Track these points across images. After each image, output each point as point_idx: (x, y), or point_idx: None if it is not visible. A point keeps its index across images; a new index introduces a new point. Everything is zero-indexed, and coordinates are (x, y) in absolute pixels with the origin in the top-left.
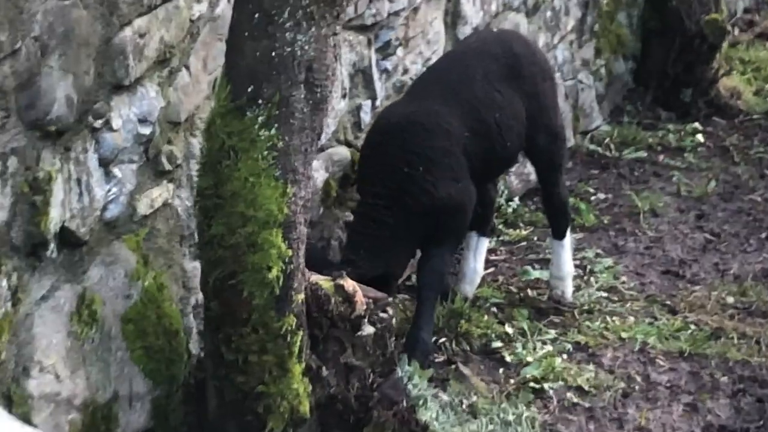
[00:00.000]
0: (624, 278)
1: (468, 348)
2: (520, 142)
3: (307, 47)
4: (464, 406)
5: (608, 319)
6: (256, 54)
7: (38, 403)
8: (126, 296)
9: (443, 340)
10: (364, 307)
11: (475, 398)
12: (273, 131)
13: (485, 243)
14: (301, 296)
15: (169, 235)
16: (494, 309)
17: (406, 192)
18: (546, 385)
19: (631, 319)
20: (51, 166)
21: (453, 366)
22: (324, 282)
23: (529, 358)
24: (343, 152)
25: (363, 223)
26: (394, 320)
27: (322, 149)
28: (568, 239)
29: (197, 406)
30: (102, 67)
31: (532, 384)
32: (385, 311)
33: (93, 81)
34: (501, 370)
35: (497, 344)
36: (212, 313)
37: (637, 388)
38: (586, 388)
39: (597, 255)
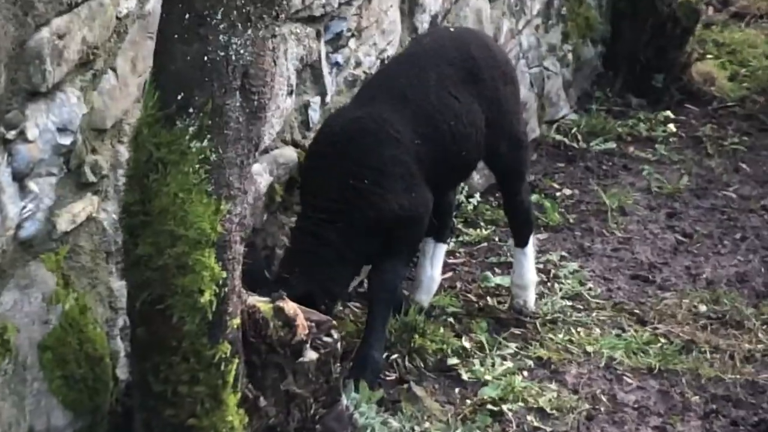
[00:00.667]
0: (590, 284)
1: (422, 365)
2: (479, 151)
3: (242, 51)
4: None
5: (573, 330)
6: (186, 58)
7: None
8: (44, 322)
9: (395, 356)
10: (306, 331)
11: (428, 424)
12: (205, 143)
13: (443, 249)
14: (237, 321)
15: (93, 252)
16: (451, 320)
17: (351, 206)
18: (505, 407)
19: (597, 330)
20: None
21: (405, 386)
22: (262, 305)
23: (488, 377)
24: (289, 154)
25: (302, 239)
26: (339, 344)
27: (266, 150)
28: (531, 247)
29: None
30: (15, 72)
31: (489, 406)
32: (329, 335)
33: (4, 88)
34: (457, 390)
35: (453, 361)
36: (139, 340)
37: (602, 409)
38: (548, 410)
39: (562, 258)
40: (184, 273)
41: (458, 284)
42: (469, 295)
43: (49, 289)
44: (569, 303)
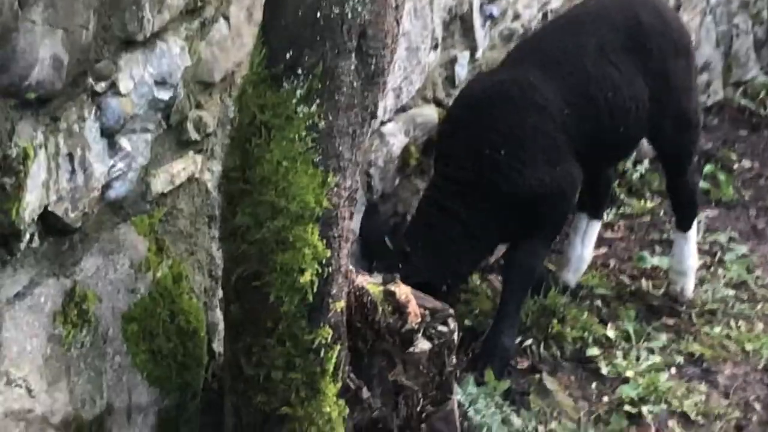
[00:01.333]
0: (759, 272)
1: (558, 353)
2: (641, 128)
3: (360, 8)
4: None
5: (732, 324)
6: (297, 13)
7: (3, 422)
8: (131, 290)
9: (530, 342)
10: (419, 319)
11: (554, 424)
12: (314, 108)
13: (596, 227)
14: (341, 304)
15: (193, 216)
16: (598, 303)
17: (484, 178)
18: (645, 409)
19: (761, 325)
20: (28, 140)
21: (537, 376)
22: (372, 287)
23: (629, 372)
24: (428, 113)
25: (428, 210)
26: (455, 335)
27: (403, 109)
28: (694, 231)
29: (218, 417)
30: (108, 19)
31: (627, 407)
32: (445, 323)
33: (94, 37)
34: (594, 385)
35: (593, 351)
36: (232, 318)
37: (755, 419)
38: (693, 415)
39: (730, 240)
40: (283, 249)
41: (612, 262)
42: (621, 276)
43: (140, 255)
44: (732, 292)
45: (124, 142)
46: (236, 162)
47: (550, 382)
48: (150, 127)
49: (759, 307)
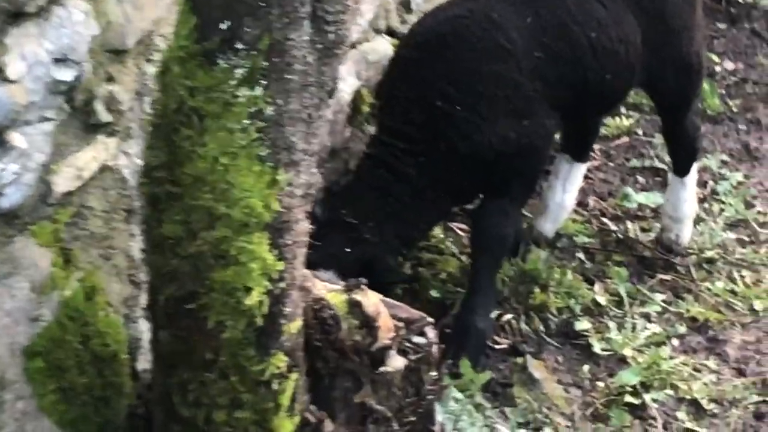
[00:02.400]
0: (758, 206)
1: (542, 328)
2: (631, 74)
3: None
4: None
5: (736, 275)
6: None
7: None
8: (32, 319)
9: (509, 317)
10: (391, 334)
11: (545, 422)
12: (258, 90)
13: (580, 171)
14: (298, 324)
15: (108, 214)
16: (581, 256)
17: (436, 135)
18: (648, 398)
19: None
20: None
21: (520, 360)
22: (334, 296)
23: (627, 350)
24: (382, 48)
25: (372, 171)
26: (434, 347)
27: (352, 45)
28: (693, 175)
29: None
30: None
31: (628, 397)
32: (422, 334)
33: None
34: (587, 368)
35: (583, 325)
36: (163, 347)
37: None
38: (705, 402)
39: (722, 164)
40: (224, 264)
41: (591, 201)
42: (604, 218)
43: (42, 273)
44: (732, 235)
45: (16, 138)
46: (161, 158)
47: (535, 368)
48: (49, 115)
49: (763, 251)
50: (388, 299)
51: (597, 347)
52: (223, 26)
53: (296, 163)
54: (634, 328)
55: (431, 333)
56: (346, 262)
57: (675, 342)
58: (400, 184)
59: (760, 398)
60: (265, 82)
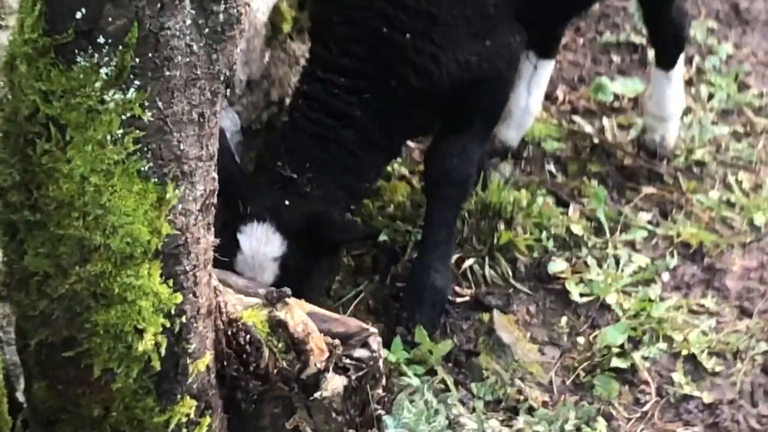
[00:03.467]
0: (753, 86)
1: (509, 272)
2: None
3: None
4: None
5: (731, 179)
6: None
7: None
8: None
9: (471, 262)
10: (325, 355)
11: (522, 421)
12: (132, 93)
13: (547, 70)
14: (207, 359)
15: None
16: (551, 167)
17: (384, 67)
18: (638, 356)
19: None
20: None
21: (485, 315)
22: (251, 314)
23: (610, 295)
24: None
25: (309, 114)
26: (380, 362)
27: None
28: (679, 69)
29: None
30: None
31: (615, 361)
32: (365, 346)
33: None
34: (564, 320)
35: (558, 265)
36: (39, 402)
37: None
38: (704, 358)
39: (710, 32)
40: (106, 305)
41: (559, 93)
42: (575, 116)
43: None
44: (725, 129)
45: None
46: (14, 177)
47: (504, 328)
48: None
49: (761, 144)
50: (319, 311)
51: (575, 293)
52: (78, 15)
53: (189, 174)
54: (617, 263)
55: (375, 344)
56: (288, 216)
57: (665, 276)
58: (342, 127)
59: None
60: (138, 83)
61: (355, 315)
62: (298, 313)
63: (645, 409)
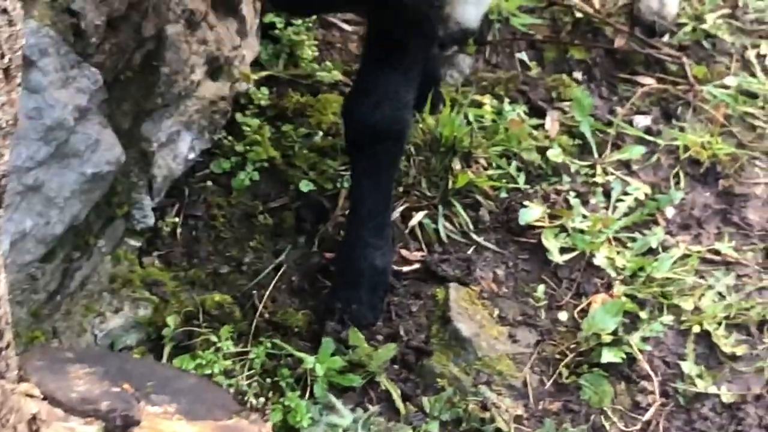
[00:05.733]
0: None
1: (470, 226)
2: None
3: None
4: None
5: (751, 54)
6: None
7: None
8: None
9: (419, 216)
10: None
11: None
12: None
13: None
14: None
15: None
16: (523, 57)
17: None
18: (636, 339)
19: None
20: None
21: (439, 291)
22: None
23: (601, 249)
24: None
25: None
26: None
27: None
28: None
29: None
30: None
31: (606, 352)
32: None
33: None
34: (542, 288)
35: (530, 213)
36: None
37: None
38: (719, 333)
39: None
40: None
41: None
42: None
43: None
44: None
45: None
46: None
47: (462, 315)
48: None
49: None
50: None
51: (554, 250)
52: None
53: None
54: (607, 196)
55: None
56: None
57: (670, 212)
58: None
59: None
60: None
61: (275, 299)
62: None
63: (647, 417)
